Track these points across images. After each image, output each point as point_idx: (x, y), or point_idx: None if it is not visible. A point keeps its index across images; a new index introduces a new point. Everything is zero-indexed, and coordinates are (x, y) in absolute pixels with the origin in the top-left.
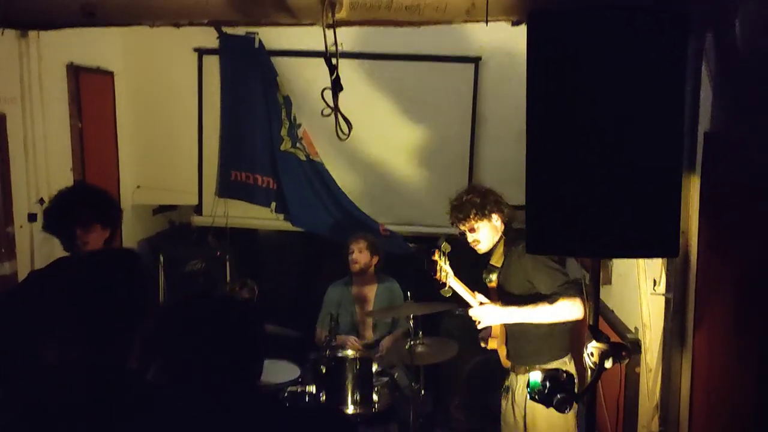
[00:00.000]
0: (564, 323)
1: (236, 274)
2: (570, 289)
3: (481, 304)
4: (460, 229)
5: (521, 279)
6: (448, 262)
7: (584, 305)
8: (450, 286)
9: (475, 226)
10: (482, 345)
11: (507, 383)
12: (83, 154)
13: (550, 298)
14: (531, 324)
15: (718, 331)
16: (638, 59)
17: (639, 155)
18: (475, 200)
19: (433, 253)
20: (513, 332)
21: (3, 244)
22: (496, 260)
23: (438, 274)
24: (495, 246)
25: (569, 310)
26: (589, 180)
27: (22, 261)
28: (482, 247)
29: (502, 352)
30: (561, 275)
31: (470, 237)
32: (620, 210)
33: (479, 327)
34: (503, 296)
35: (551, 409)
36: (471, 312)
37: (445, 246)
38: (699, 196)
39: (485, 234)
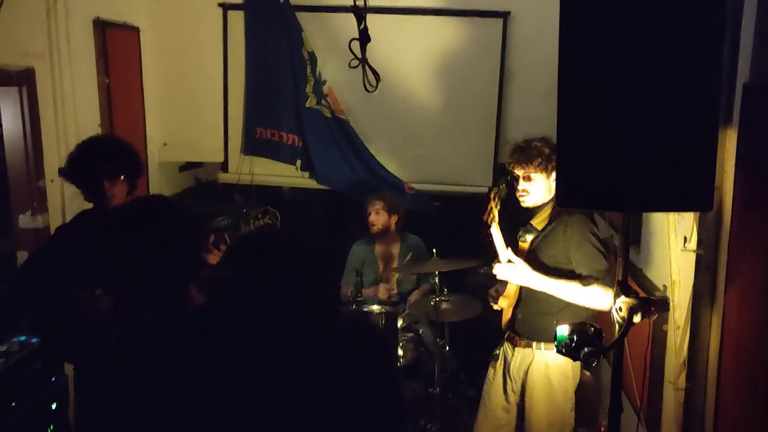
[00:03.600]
0: (589, 310)
1: (258, 204)
2: (608, 278)
3: (509, 261)
4: (514, 173)
5: (560, 251)
6: (498, 207)
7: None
8: (491, 231)
9: (533, 175)
10: (491, 303)
11: (498, 352)
12: (111, 110)
13: (585, 279)
14: (557, 301)
15: (751, 288)
16: (675, 7)
17: (674, 107)
18: (545, 150)
19: (490, 191)
20: (531, 303)
21: (35, 198)
22: (538, 223)
23: (486, 214)
24: (541, 207)
25: (598, 298)
26: (622, 133)
27: (53, 214)
28: (527, 201)
29: (507, 316)
30: (604, 261)
31: (522, 185)
32: (653, 163)
33: (497, 282)
34: (532, 262)
35: (551, 393)
36: (496, 267)
37: (502, 188)
38: (736, 150)
39: (537, 188)
